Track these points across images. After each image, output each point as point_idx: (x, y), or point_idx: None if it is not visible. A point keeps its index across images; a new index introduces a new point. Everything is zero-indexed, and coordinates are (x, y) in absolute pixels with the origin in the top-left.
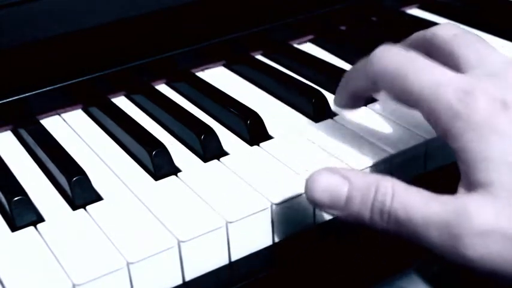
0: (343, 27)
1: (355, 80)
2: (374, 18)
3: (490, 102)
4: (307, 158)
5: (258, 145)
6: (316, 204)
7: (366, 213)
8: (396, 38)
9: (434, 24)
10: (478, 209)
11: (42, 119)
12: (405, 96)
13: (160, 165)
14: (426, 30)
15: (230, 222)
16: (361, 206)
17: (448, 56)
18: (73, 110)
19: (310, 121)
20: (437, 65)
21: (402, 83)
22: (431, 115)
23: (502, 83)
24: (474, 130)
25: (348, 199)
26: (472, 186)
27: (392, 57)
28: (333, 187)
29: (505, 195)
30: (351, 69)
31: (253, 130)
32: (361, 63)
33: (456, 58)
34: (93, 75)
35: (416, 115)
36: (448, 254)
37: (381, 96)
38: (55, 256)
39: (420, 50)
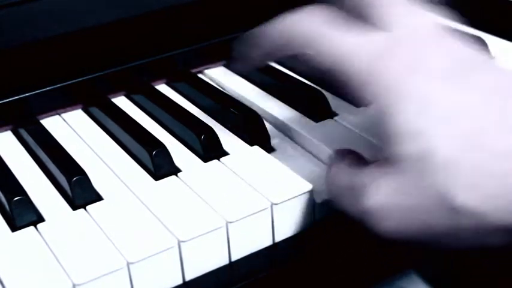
0: None
1: (272, 39)
2: None
3: (402, 66)
4: (307, 158)
5: (259, 145)
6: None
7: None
8: None
9: None
10: (383, 181)
11: (42, 119)
12: (323, 61)
13: (160, 165)
14: None
15: (230, 222)
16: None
17: (370, 15)
18: (73, 110)
19: (309, 120)
20: (352, 30)
21: (321, 46)
22: (348, 79)
23: (414, 46)
24: (384, 94)
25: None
26: (386, 159)
27: (310, 23)
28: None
29: (407, 165)
30: (267, 27)
31: (254, 130)
32: (280, 24)
33: (377, 18)
34: (93, 75)
35: None
36: (356, 207)
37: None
38: (55, 256)
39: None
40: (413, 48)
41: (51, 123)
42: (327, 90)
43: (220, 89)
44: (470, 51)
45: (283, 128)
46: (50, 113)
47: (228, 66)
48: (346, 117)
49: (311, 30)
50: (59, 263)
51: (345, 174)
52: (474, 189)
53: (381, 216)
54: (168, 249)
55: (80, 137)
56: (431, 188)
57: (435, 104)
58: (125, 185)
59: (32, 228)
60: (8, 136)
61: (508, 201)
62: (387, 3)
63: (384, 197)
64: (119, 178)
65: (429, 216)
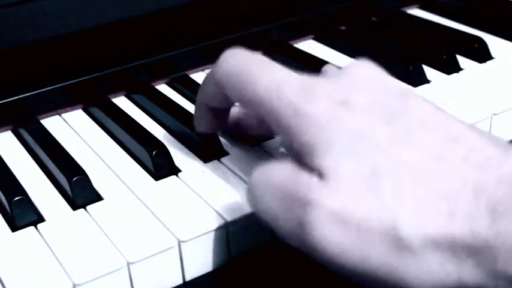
0: (343, 27)
1: (206, 90)
2: (374, 18)
3: (330, 102)
4: None
5: (258, 145)
6: None
7: None
8: (396, 38)
9: (434, 24)
10: (321, 196)
11: (42, 119)
12: (248, 99)
13: (160, 165)
14: None
15: (230, 222)
16: None
17: None
18: (73, 110)
19: None
20: (279, 65)
21: (245, 85)
22: (272, 115)
23: (341, 85)
24: (316, 125)
25: None
26: (316, 171)
27: (237, 59)
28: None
29: (348, 184)
30: (202, 83)
31: None
32: (210, 72)
33: None
34: (93, 75)
35: None
36: (297, 243)
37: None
38: (55, 256)
39: None
40: (342, 87)
41: (51, 123)
42: None
43: None
44: (395, 82)
45: None
46: (50, 113)
47: None
48: None
49: (244, 62)
50: (59, 263)
51: (284, 175)
52: (418, 227)
53: (317, 238)
54: (168, 249)
55: (80, 137)
56: (376, 212)
57: (369, 135)
58: (125, 185)
59: (32, 228)
60: (8, 136)
61: (449, 243)
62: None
63: (322, 214)
64: (119, 178)
65: (368, 247)
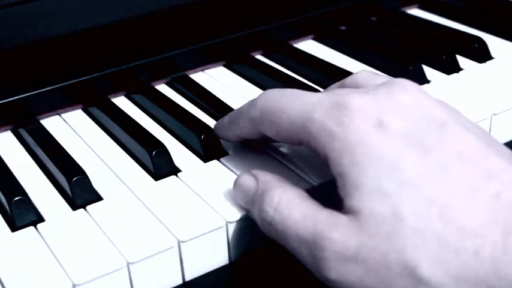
0: (343, 27)
1: (239, 125)
2: (374, 18)
3: (364, 121)
4: (309, 155)
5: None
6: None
7: (257, 221)
8: (396, 38)
9: (434, 24)
10: (342, 235)
11: (42, 119)
12: (286, 133)
13: (160, 165)
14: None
15: (230, 222)
16: (255, 212)
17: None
18: (73, 110)
19: None
20: (313, 92)
21: (279, 116)
22: (309, 141)
23: (378, 103)
24: (349, 153)
25: (251, 204)
26: (345, 210)
27: (271, 95)
28: (244, 190)
29: (371, 224)
30: (235, 112)
31: None
32: (245, 107)
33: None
34: (93, 75)
35: None
36: (315, 272)
37: None
38: (55, 256)
39: None
40: (379, 102)
41: (51, 123)
42: None
43: (219, 89)
44: (436, 109)
45: None
46: (50, 113)
47: (228, 66)
48: None
49: (276, 99)
50: (59, 263)
51: (299, 214)
52: (439, 264)
53: (336, 275)
54: (168, 249)
55: (80, 137)
56: (396, 254)
57: (402, 168)
58: (125, 185)
59: (31, 228)
60: (8, 136)
61: (472, 283)
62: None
63: (343, 254)
64: (119, 178)
65: (388, 283)
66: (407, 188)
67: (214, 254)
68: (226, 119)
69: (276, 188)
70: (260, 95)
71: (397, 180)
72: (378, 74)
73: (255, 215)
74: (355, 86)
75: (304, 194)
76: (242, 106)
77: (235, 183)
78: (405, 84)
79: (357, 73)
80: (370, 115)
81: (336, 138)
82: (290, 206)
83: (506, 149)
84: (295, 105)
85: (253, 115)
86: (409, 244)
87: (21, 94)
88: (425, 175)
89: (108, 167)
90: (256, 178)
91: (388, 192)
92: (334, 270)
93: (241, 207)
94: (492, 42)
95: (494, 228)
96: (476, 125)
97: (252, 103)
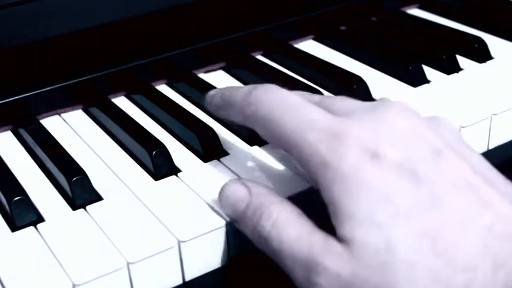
0: (343, 27)
1: (229, 114)
2: (374, 18)
3: (359, 151)
4: None
5: (259, 145)
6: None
7: (249, 233)
8: (396, 38)
9: (434, 24)
10: (336, 263)
11: (42, 119)
12: (277, 143)
13: (160, 165)
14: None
15: (230, 223)
16: (248, 225)
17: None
18: (73, 110)
19: None
20: (312, 106)
21: (273, 130)
22: (301, 160)
23: (374, 131)
24: (341, 182)
25: (243, 215)
26: (338, 237)
27: (266, 102)
28: (234, 201)
29: (364, 255)
30: (228, 98)
31: (254, 130)
32: (239, 100)
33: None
34: (93, 75)
35: None
36: None
37: None
38: (55, 256)
39: None
40: (375, 131)
41: (51, 123)
42: (326, 90)
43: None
44: (433, 135)
45: None
46: (50, 113)
47: (228, 66)
48: None
49: (276, 105)
50: (59, 263)
51: (295, 233)
52: None
53: None
54: (168, 249)
55: (80, 137)
56: (388, 286)
57: (395, 199)
58: (125, 185)
59: (31, 228)
60: (8, 136)
61: None
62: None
63: (336, 282)
64: (119, 178)
65: None
66: (399, 220)
67: (214, 254)
68: (217, 98)
69: (275, 203)
70: (256, 92)
71: (389, 212)
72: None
73: (247, 228)
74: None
75: (299, 212)
76: (236, 96)
77: (223, 192)
78: (402, 109)
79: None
80: (366, 146)
81: (329, 168)
82: (287, 224)
83: (501, 177)
84: (290, 120)
85: (246, 113)
86: (401, 277)
87: (21, 94)
88: (418, 207)
89: (108, 167)
90: (248, 189)
91: (380, 223)
92: None
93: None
94: (492, 42)
95: (485, 261)
96: (472, 150)
97: (247, 100)
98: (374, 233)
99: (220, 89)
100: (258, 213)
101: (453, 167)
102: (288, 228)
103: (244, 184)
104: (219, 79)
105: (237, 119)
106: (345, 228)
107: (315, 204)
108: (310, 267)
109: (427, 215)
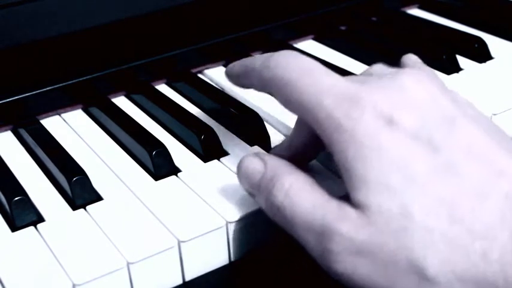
0: (343, 27)
1: (249, 79)
2: (374, 18)
3: (375, 116)
4: None
5: (259, 146)
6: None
7: (263, 204)
8: (396, 38)
9: (434, 24)
10: (350, 229)
11: (42, 119)
12: (293, 107)
13: (160, 165)
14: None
15: (230, 222)
16: (263, 197)
17: None
18: (73, 110)
19: None
20: (329, 71)
21: (290, 93)
22: (316, 125)
23: (390, 97)
24: (356, 147)
25: (258, 187)
26: (352, 203)
27: (285, 65)
28: (250, 173)
29: (379, 220)
30: (247, 64)
31: (253, 130)
32: (258, 64)
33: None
34: (93, 75)
35: None
36: (321, 263)
37: None
38: (55, 256)
39: None
40: (392, 97)
41: (51, 123)
42: None
43: (220, 89)
44: (448, 103)
45: (288, 125)
46: (50, 113)
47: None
48: None
49: (293, 70)
50: (59, 263)
51: (309, 202)
52: (447, 264)
53: (343, 268)
54: (168, 249)
55: (80, 137)
56: (404, 252)
57: (410, 165)
58: (125, 185)
59: (31, 228)
60: (8, 136)
61: (479, 284)
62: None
63: (350, 247)
64: (119, 178)
65: (394, 278)
66: (415, 186)
67: (214, 254)
68: (237, 66)
69: (288, 173)
70: (275, 56)
71: (405, 177)
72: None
73: (261, 199)
74: None
75: (313, 181)
76: (256, 61)
77: (240, 165)
78: (419, 76)
79: (371, 67)
80: (382, 111)
81: (344, 132)
82: (300, 193)
83: None
84: (307, 84)
85: (265, 77)
86: (417, 242)
87: (21, 94)
88: (434, 173)
89: (108, 167)
90: (264, 162)
91: (396, 188)
92: (341, 263)
93: (240, 208)
94: (492, 42)
95: (503, 230)
96: (487, 119)
97: (266, 64)
98: (389, 198)
99: (241, 60)
100: (271, 184)
101: (468, 134)
102: (301, 198)
103: (260, 157)
104: (218, 78)
105: (256, 84)
106: (360, 194)
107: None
108: (324, 234)
109: (443, 182)
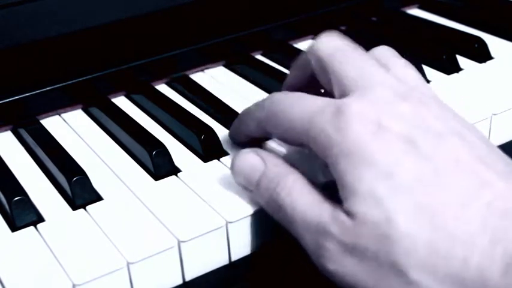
0: (343, 27)
1: (247, 124)
2: (374, 18)
3: (362, 124)
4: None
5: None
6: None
7: (263, 201)
8: (396, 38)
9: (434, 24)
10: (340, 231)
11: (42, 119)
12: (289, 135)
13: (160, 165)
14: (307, 51)
15: (230, 222)
16: (264, 194)
17: (331, 77)
18: (73, 110)
19: None
20: (315, 96)
21: (283, 122)
22: (311, 145)
23: (379, 104)
24: (345, 157)
25: (257, 184)
26: (344, 210)
27: (277, 101)
28: (248, 169)
29: (364, 227)
30: (244, 112)
31: None
32: (253, 107)
33: (337, 80)
34: (93, 75)
35: None
36: (315, 261)
37: None
38: (55, 256)
39: (307, 75)
40: (379, 104)
41: (51, 123)
42: None
43: (219, 89)
44: (435, 120)
45: None
46: (50, 113)
47: (228, 66)
48: None
49: (283, 103)
50: (59, 263)
51: (308, 201)
52: (428, 269)
53: (334, 266)
54: (168, 249)
55: (80, 137)
56: (387, 257)
57: (396, 173)
58: (125, 185)
59: (31, 228)
60: (8, 136)
61: None
62: (348, 59)
63: (340, 247)
64: (119, 178)
65: (379, 280)
66: (400, 194)
67: (214, 254)
68: (236, 120)
69: (291, 173)
70: (267, 97)
71: (391, 187)
72: (394, 52)
73: (260, 195)
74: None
75: (311, 183)
76: (251, 106)
77: (237, 161)
78: (400, 90)
79: (375, 49)
80: (369, 119)
81: (334, 144)
82: (301, 193)
83: (504, 157)
84: (298, 109)
85: (260, 116)
86: (400, 249)
87: (21, 94)
88: (419, 181)
89: (108, 167)
90: (263, 160)
91: (381, 197)
92: (333, 261)
93: (240, 208)
94: (492, 42)
95: (483, 236)
96: (476, 131)
97: (260, 104)
98: (375, 206)
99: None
100: (274, 182)
101: (454, 148)
102: (302, 197)
103: (258, 154)
104: (218, 78)
105: (253, 127)
106: (349, 203)
107: None
108: (320, 232)
109: (427, 190)
